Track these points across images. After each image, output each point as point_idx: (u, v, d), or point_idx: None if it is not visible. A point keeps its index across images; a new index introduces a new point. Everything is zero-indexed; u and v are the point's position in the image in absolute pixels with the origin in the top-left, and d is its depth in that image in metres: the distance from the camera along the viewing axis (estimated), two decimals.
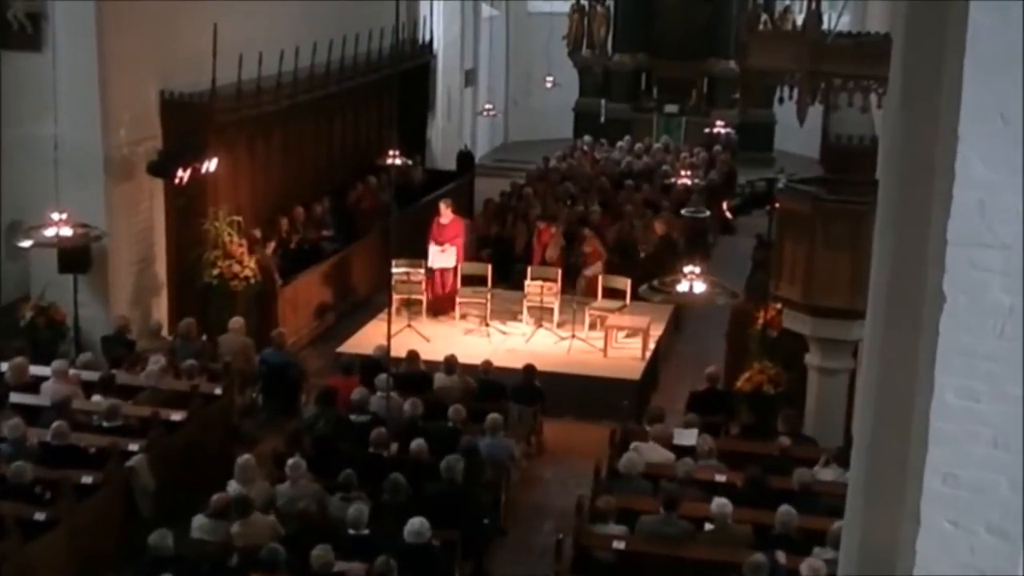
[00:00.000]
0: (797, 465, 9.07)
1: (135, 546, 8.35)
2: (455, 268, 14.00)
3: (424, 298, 13.88)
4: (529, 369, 11.49)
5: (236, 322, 12.06)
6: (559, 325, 13.71)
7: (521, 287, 14.08)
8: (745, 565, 7.47)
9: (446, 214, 13.98)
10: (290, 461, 8.84)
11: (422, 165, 20.17)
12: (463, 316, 14.05)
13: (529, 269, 14.29)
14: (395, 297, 13.38)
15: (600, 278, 14.19)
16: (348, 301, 15.30)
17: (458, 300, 14.03)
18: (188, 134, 12.69)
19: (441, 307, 13.91)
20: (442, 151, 22.93)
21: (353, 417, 10.07)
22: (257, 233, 13.86)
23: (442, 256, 13.68)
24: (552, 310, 13.80)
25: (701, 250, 16.29)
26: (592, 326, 13.62)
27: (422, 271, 13.69)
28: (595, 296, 14.10)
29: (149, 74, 12.65)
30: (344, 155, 17.43)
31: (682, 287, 10.36)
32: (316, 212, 15.66)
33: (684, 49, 24.08)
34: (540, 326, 13.68)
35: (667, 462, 9.46)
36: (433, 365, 11.60)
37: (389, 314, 9.82)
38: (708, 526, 8.20)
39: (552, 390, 11.70)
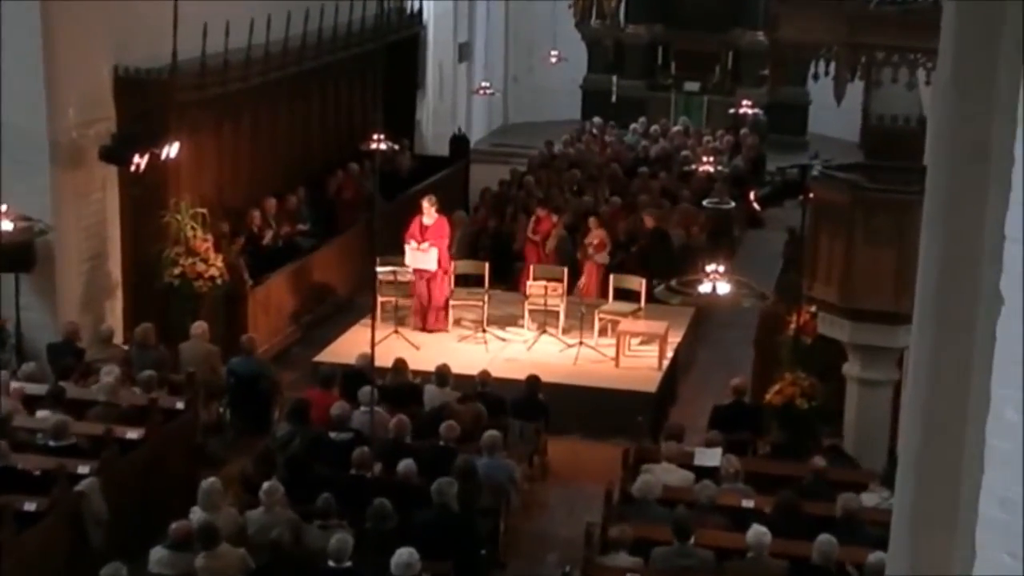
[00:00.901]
0: (835, 489, 9.06)
1: None
2: (446, 275, 13.93)
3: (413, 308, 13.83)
4: (532, 380, 11.49)
5: (200, 327, 12.05)
6: (565, 331, 13.72)
7: (522, 288, 14.10)
8: None
9: (430, 213, 13.75)
10: (266, 485, 8.82)
11: (410, 150, 20.16)
12: (457, 321, 14.05)
13: (531, 268, 14.29)
14: (380, 299, 13.38)
15: (611, 278, 14.17)
16: (327, 304, 15.30)
17: (451, 304, 14.03)
18: (146, 115, 12.67)
19: (429, 323, 13.74)
20: (433, 135, 22.91)
21: (333, 435, 10.07)
22: (224, 227, 13.86)
23: (421, 256, 13.57)
24: (557, 314, 13.79)
25: (725, 246, 16.30)
26: (602, 332, 13.62)
27: (410, 270, 13.67)
28: (597, 296, 14.09)
29: (101, 48, 12.63)
30: (323, 139, 17.42)
31: (704, 288, 10.36)
32: (291, 204, 15.65)
33: (706, 19, 24.07)
34: (544, 332, 13.69)
35: (687, 485, 9.45)
36: (423, 376, 11.61)
37: (373, 319, 9.80)
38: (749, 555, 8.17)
39: (557, 404, 11.71)
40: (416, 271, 13.58)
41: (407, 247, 13.63)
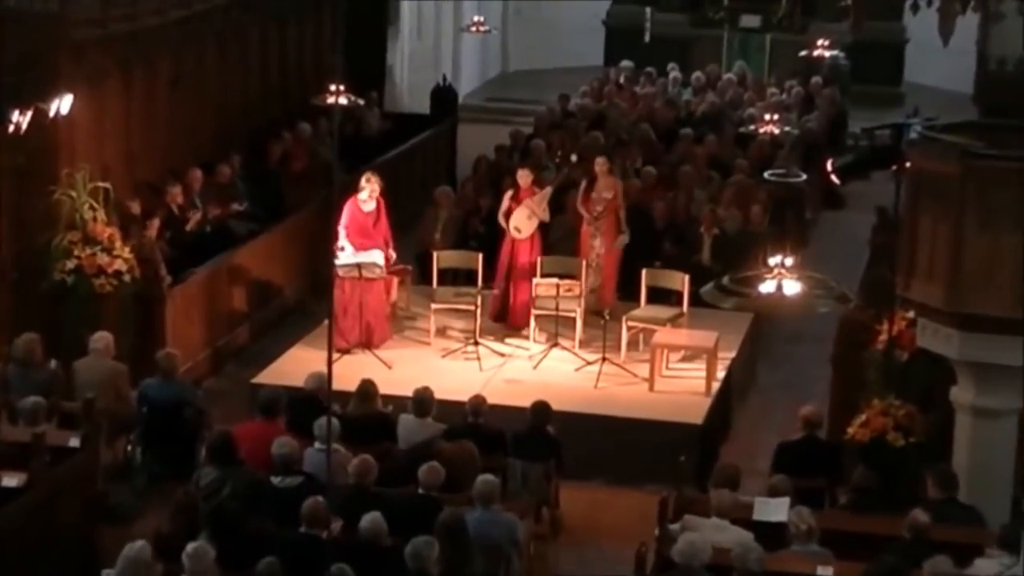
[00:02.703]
0: (942, 551, 9.01)
1: None
2: (388, 281, 13.88)
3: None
4: (539, 409, 11.45)
5: (102, 339, 12.02)
6: (583, 343, 13.72)
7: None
8: None
9: (372, 192, 13.62)
10: (190, 547, 8.78)
11: (380, 107, 20.14)
12: (441, 330, 14.03)
13: (539, 260, 14.26)
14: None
15: (644, 274, 14.13)
16: (271, 308, 15.29)
17: (433, 308, 14.01)
18: (28, 61, 12.63)
19: (355, 338, 13.53)
20: (409, 86, 22.89)
21: (276, 480, 10.04)
22: (135, 207, 13.82)
23: (370, 257, 13.50)
24: (573, 321, 13.76)
25: (794, 232, 16.25)
26: (632, 345, 13.60)
27: (380, 262, 13.65)
28: (610, 291, 14.04)
29: None
30: (264, 92, 17.39)
31: (766, 287, 10.26)
32: (223, 176, 15.62)
33: None
34: (555, 345, 13.67)
35: (744, 547, 9.41)
36: (397, 403, 11.58)
37: (331, 327, 9.76)
38: None
39: (572, 440, 11.68)
40: (341, 275, 13.34)
41: (344, 246, 13.47)
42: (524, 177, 14.24)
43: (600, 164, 14.68)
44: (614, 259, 14.58)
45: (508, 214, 14.15)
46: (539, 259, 14.23)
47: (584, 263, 14.21)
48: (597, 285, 14.43)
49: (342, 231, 13.52)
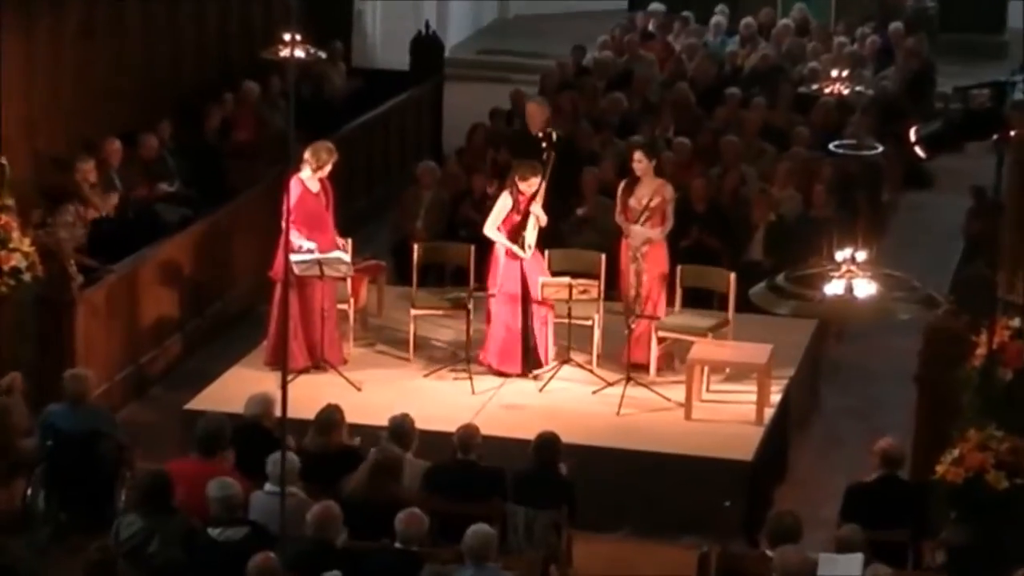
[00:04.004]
0: None
1: None
2: (356, 281, 13.94)
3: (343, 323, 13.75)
4: (546, 442, 11.44)
5: None
6: (601, 359, 13.74)
7: None
8: None
9: (319, 169, 13.46)
10: None
11: (346, 61, 20.12)
12: (423, 342, 14.06)
13: (546, 254, 14.24)
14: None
15: (679, 271, 14.10)
16: (209, 315, 15.33)
17: (413, 314, 14.03)
18: None
19: (316, 353, 13.56)
20: (383, 36, 22.89)
21: (215, 531, 10.03)
22: (37, 188, 13.84)
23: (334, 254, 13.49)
24: (589, 331, 13.78)
25: (868, 217, 16.23)
26: (664, 360, 13.61)
27: (345, 257, 13.63)
28: (660, 296, 13.95)
29: None
30: (199, 45, 17.37)
31: (832, 288, 10.27)
32: (148, 149, 15.66)
33: None
34: (567, 361, 13.71)
35: None
36: (369, 434, 11.59)
37: (284, 339, 9.75)
38: None
39: (589, 480, 11.68)
40: (298, 275, 13.30)
41: (298, 243, 13.36)
42: (531, 185, 13.51)
43: (639, 160, 13.82)
44: (662, 255, 13.92)
45: (513, 228, 13.56)
46: (548, 252, 14.17)
47: (603, 260, 14.05)
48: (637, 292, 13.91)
49: (292, 226, 13.24)
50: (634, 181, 13.89)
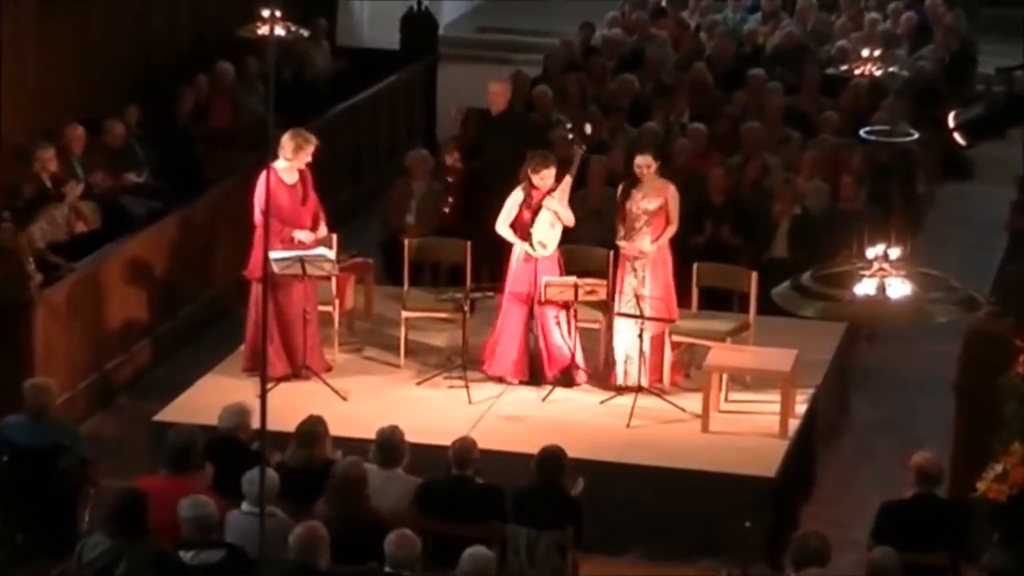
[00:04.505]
0: None
1: None
2: (342, 280, 14.00)
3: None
4: (550, 457, 11.43)
5: None
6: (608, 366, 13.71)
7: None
8: None
9: (296, 159, 13.48)
10: None
11: (330, 40, 20.12)
12: (415, 348, 14.10)
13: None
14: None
15: (695, 269, 14.10)
16: (181, 318, 15.37)
17: (404, 316, 14.05)
18: None
19: (298, 360, 13.66)
20: (371, 12, 22.89)
21: (188, 555, 10.02)
22: None
23: (318, 251, 13.54)
24: (596, 334, 13.78)
25: (902, 211, 16.23)
26: (679, 368, 13.62)
27: (330, 255, 13.63)
28: (672, 298, 13.95)
29: None
30: (171, 23, 17.37)
31: (863, 288, 10.28)
32: (113, 136, 15.67)
33: None
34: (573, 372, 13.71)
35: None
36: (355, 448, 11.57)
37: (264, 346, 9.73)
38: None
39: (597, 498, 11.69)
40: (278, 273, 13.30)
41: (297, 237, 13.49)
42: (545, 177, 13.50)
43: (647, 166, 13.72)
44: (664, 259, 13.85)
45: (521, 225, 13.60)
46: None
47: (609, 256, 14.02)
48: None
49: (263, 220, 13.19)
50: (633, 183, 13.84)
